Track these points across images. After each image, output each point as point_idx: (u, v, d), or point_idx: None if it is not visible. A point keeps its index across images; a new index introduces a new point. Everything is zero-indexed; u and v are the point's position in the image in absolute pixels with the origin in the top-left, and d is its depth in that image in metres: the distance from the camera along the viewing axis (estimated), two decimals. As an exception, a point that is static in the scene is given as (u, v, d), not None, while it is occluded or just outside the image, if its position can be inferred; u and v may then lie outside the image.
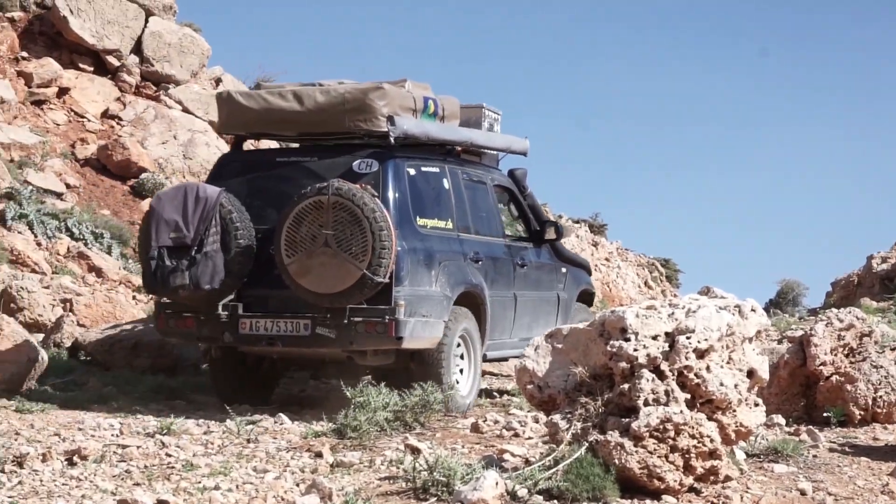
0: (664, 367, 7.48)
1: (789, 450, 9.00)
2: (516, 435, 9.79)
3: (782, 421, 10.45)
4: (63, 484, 7.49)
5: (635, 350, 7.50)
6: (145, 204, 20.71)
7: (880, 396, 10.67)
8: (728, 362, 7.71)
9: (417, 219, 11.06)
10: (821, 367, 10.83)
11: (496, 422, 10.38)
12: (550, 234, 13.03)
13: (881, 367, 10.80)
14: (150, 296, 12.00)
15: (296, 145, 12.23)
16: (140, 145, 21.97)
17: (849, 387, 10.67)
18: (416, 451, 8.82)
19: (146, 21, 23.86)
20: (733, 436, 7.72)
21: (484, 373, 13.63)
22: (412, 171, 11.19)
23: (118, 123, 22.92)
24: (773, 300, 46.23)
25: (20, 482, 7.49)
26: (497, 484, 6.84)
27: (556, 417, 7.58)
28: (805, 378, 11.04)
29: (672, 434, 7.30)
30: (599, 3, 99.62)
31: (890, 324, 18.70)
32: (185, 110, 23.36)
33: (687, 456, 7.37)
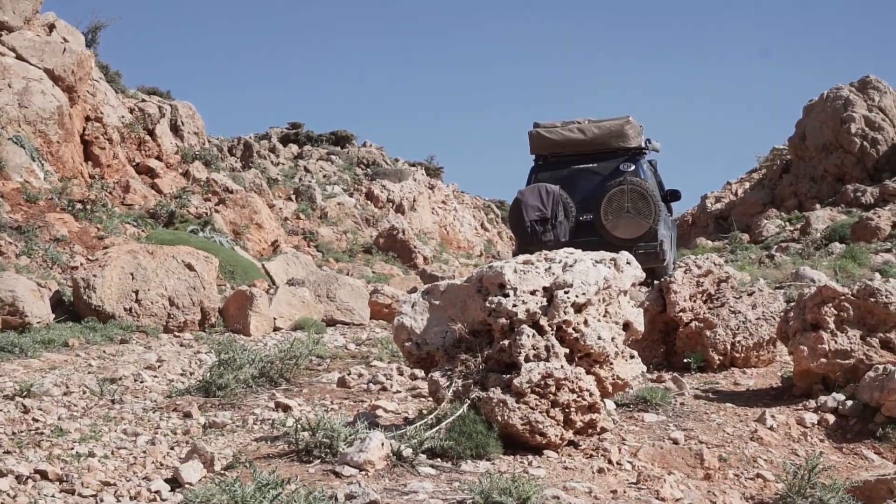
0: (543, 322, 7.43)
1: (658, 398, 9.12)
2: (384, 389, 9.70)
3: (644, 368, 10.55)
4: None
5: (514, 306, 7.42)
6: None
7: (738, 341, 10.83)
8: (605, 315, 7.72)
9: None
10: (680, 314, 10.97)
11: (360, 375, 10.28)
12: (674, 197, 20.23)
13: (739, 312, 10.95)
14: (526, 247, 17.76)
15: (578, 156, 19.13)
16: (-28, 94, 21.06)
17: (708, 332, 10.81)
18: (286, 409, 8.67)
19: (-25, -35, 22.78)
20: (610, 388, 7.74)
21: (337, 322, 15.89)
22: (645, 167, 18.68)
23: (-53, 69, 21.92)
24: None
25: None
26: (382, 445, 6.72)
27: (437, 375, 7.47)
28: (664, 324, 11.17)
29: (553, 389, 7.26)
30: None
31: (727, 262, 19.41)
32: (20, 58, 22.36)
33: (567, 410, 7.34)
